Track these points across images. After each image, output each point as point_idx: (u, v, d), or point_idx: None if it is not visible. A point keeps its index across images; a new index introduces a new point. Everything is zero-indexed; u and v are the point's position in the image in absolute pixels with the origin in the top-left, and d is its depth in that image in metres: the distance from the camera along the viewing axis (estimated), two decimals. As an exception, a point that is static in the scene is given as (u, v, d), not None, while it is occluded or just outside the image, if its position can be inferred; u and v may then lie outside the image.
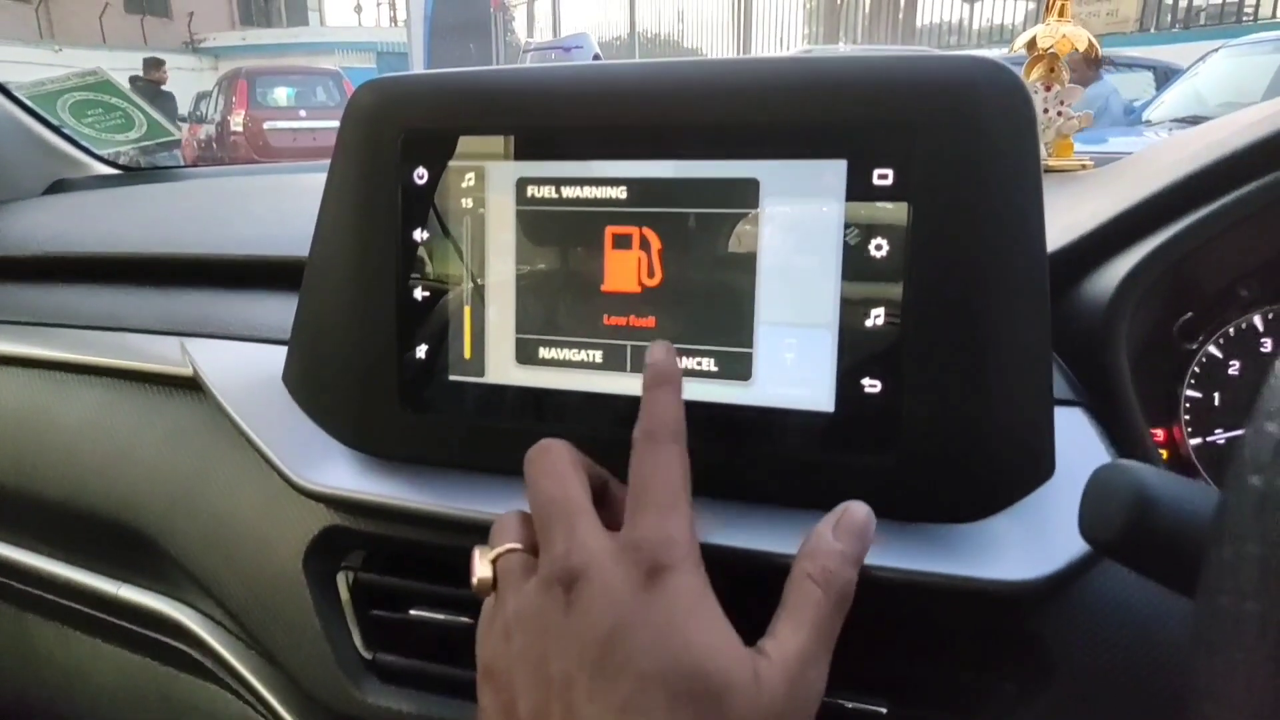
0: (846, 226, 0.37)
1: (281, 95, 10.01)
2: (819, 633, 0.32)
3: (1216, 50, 4.80)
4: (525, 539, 0.35)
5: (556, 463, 0.36)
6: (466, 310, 0.43)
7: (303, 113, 9.76)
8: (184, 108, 9.67)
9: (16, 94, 0.99)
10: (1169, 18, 9.25)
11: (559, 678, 0.30)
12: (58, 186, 0.97)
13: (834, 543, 0.33)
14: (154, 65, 8.09)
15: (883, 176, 0.36)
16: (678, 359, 0.37)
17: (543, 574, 0.33)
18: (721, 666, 0.29)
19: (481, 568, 0.35)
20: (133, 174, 1.06)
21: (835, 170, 0.37)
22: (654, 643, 0.29)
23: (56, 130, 1.02)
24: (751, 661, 0.30)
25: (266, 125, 9.31)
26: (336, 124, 0.47)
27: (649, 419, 0.35)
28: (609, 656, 0.29)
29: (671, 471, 0.33)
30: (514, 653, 0.32)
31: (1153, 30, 9.09)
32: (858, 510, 0.35)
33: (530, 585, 0.33)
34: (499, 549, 0.35)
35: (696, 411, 0.40)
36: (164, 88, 8.10)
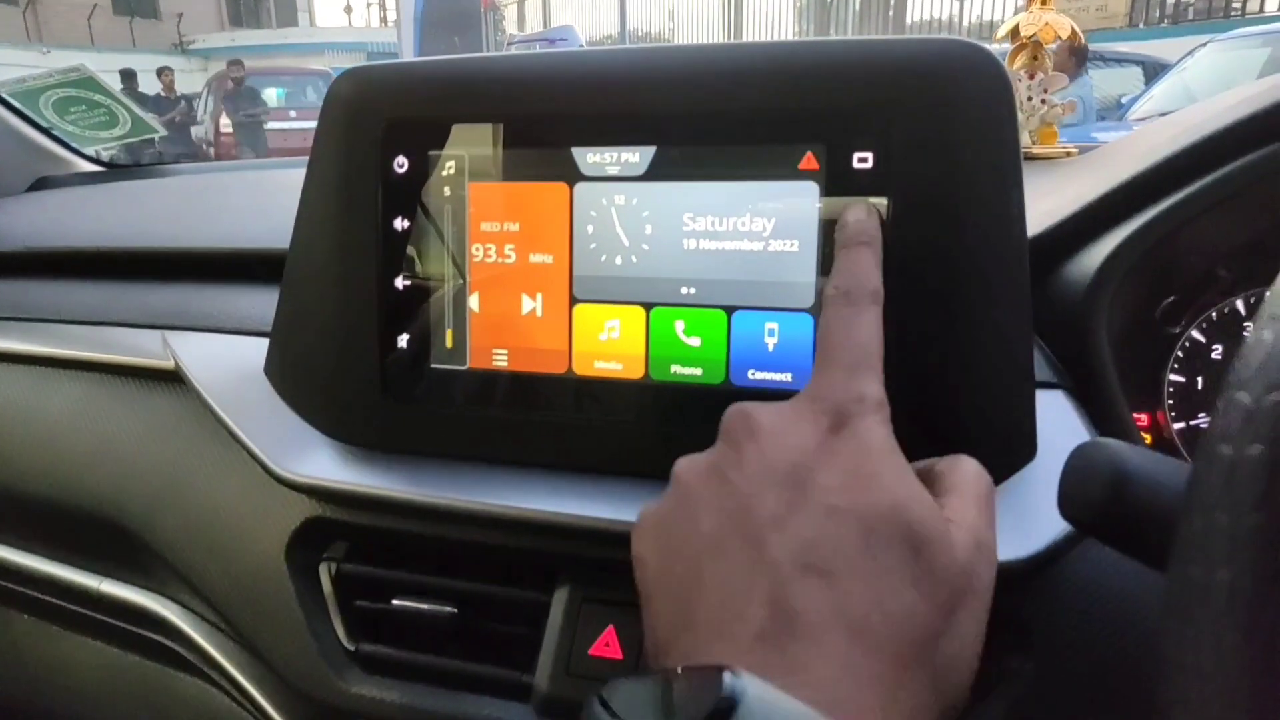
0: (826, 209, 0.37)
1: (271, 96, 9.99)
2: (987, 507, 0.30)
3: (1204, 45, 4.83)
4: None
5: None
6: (448, 299, 0.43)
7: (293, 113, 9.75)
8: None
9: (-1, 92, 0.98)
10: (1157, 13, 9.30)
11: (735, 510, 0.28)
12: (41, 184, 0.97)
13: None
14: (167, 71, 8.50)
15: (862, 160, 0.36)
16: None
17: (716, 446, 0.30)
18: (920, 515, 0.27)
19: None
20: (115, 170, 1.05)
21: (815, 154, 0.37)
22: (843, 482, 0.27)
23: (39, 127, 1.02)
24: (944, 516, 0.28)
25: (260, 123, 9.30)
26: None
27: (844, 276, 0.33)
28: (794, 494, 0.27)
29: (866, 331, 0.31)
30: (676, 510, 0.30)
31: (1141, 26, 9.13)
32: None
33: (700, 455, 0.31)
34: None
35: (675, 394, 0.40)
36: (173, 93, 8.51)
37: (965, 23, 11.53)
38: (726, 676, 0.22)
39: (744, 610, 0.26)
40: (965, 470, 0.31)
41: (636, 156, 0.40)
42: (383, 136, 0.43)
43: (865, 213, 0.35)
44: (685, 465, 0.31)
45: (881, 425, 0.29)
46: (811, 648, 0.24)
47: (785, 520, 0.27)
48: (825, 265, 0.37)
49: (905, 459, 0.29)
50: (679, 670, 0.25)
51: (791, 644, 0.25)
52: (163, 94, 8.65)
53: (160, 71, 9.04)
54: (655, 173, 0.39)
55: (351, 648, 0.46)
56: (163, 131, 1.33)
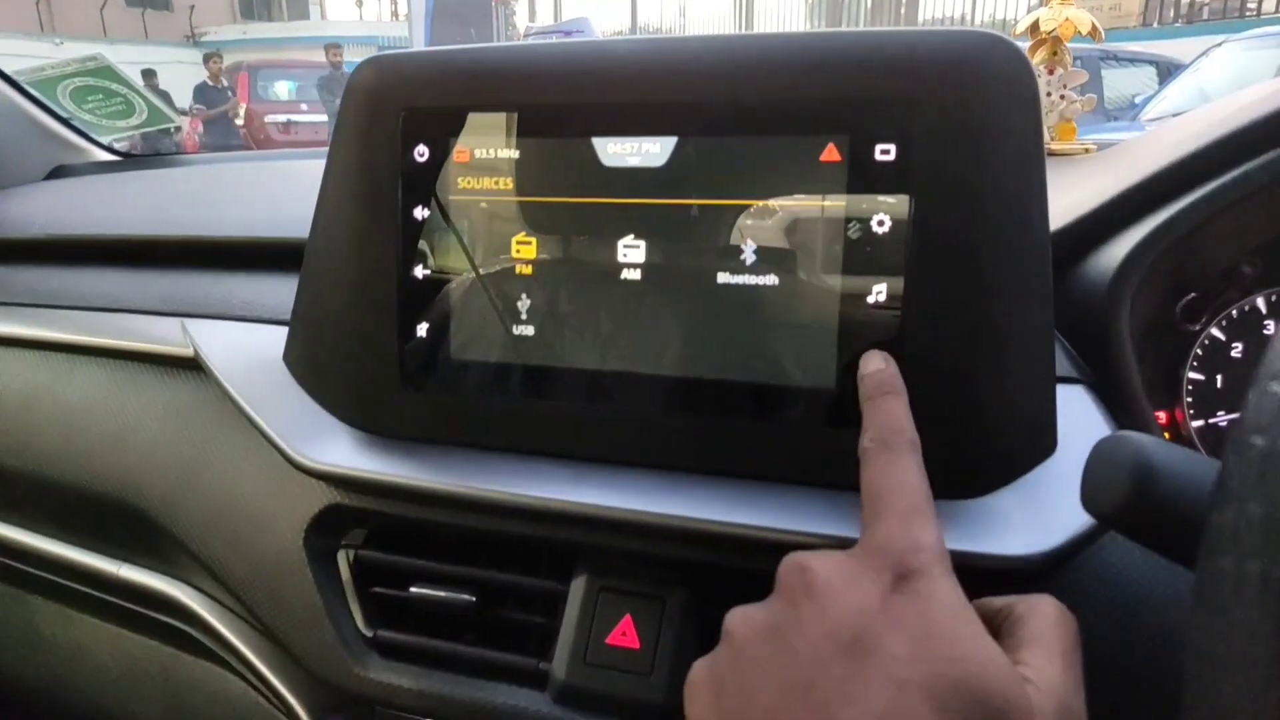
0: (848, 200, 0.37)
1: (283, 89, 9.99)
2: (1074, 662, 0.28)
3: (1219, 45, 4.79)
4: None
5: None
6: (468, 289, 0.43)
7: (304, 106, 9.74)
8: (183, 101, 9.67)
9: (18, 80, 0.99)
10: (1172, 13, 9.23)
11: (797, 682, 0.27)
12: (58, 172, 0.97)
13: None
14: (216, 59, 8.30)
15: (885, 152, 0.36)
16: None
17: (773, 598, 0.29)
18: (998, 683, 0.25)
19: None
20: (132, 160, 1.05)
21: (837, 145, 0.37)
22: (911, 651, 0.26)
23: (57, 116, 1.02)
24: (1025, 683, 0.26)
25: (268, 118, 9.30)
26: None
27: (880, 428, 0.32)
28: (860, 664, 0.26)
29: (911, 478, 0.30)
30: (732, 673, 0.29)
31: (1155, 25, 9.06)
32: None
33: (755, 609, 0.30)
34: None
35: (697, 388, 0.40)
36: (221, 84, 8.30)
37: (978, 20, 11.46)
38: None
39: None
40: (1045, 616, 0.29)
41: (657, 147, 0.40)
42: (402, 125, 0.43)
43: (883, 361, 0.35)
44: (739, 620, 0.30)
45: (946, 577, 0.28)
46: None
47: (853, 694, 0.25)
48: (847, 255, 0.37)
49: (974, 613, 0.27)
50: None
51: None
52: (210, 83, 8.23)
53: (207, 58, 8.64)
54: (676, 163, 0.39)
55: (369, 634, 0.46)
56: (178, 121, 1.33)
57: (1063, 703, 0.26)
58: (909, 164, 0.36)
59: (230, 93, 8.35)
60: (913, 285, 0.36)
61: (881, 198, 0.36)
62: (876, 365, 0.35)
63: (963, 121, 0.35)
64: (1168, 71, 5.44)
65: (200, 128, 8.80)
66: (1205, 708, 0.20)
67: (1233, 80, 4.28)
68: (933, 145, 0.35)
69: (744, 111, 0.38)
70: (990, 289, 0.36)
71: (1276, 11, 8.39)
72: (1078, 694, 0.27)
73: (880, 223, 0.36)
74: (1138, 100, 5.20)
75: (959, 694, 0.25)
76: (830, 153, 0.37)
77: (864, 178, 0.36)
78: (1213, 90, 4.31)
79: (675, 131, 0.39)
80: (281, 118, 9.28)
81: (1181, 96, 4.43)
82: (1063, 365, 0.43)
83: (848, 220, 0.37)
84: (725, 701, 0.28)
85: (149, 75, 7.93)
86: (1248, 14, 8.56)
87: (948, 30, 0.37)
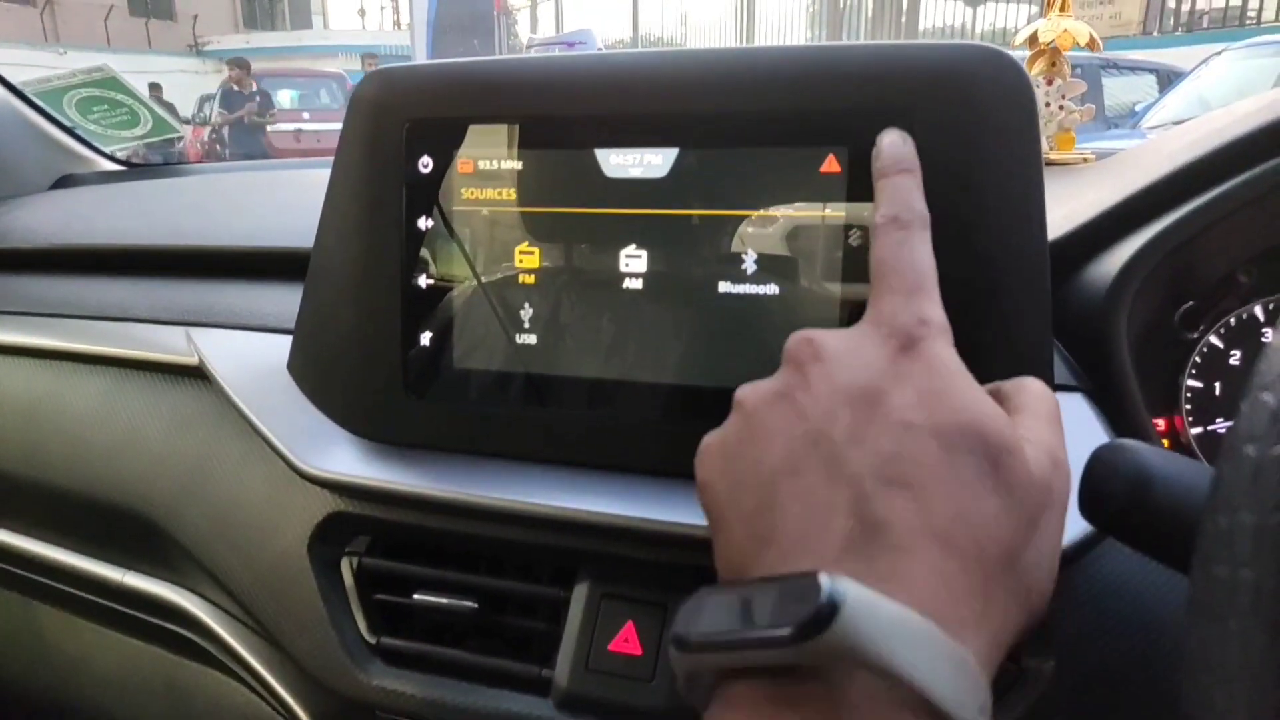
0: (848, 211, 0.37)
1: (285, 98, 10.04)
2: (1059, 426, 0.30)
3: (1219, 53, 4.80)
4: None
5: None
6: (472, 297, 0.44)
7: (306, 115, 9.79)
8: (186, 110, 9.68)
9: (23, 91, 1.00)
10: (1171, 21, 9.25)
11: (809, 431, 0.27)
12: (63, 182, 0.98)
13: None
14: (237, 64, 8.19)
15: (884, 163, 0.36)
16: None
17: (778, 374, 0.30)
18: (996, 429, 0.26)
19: None
20: (137, 170, 1.06)
21: (837, 156, 0.37)
22: (917, 400, 0.27)
23: (62, 127, 1.03)
24: (1019, 433, 0.27)
25: (270, 127, 9.34)
26: (340, 126, 0.47)
27: (890, 204, 0.32)
28: (868, 411, 0.27)
29: (921, 254, 0.31)
30: (743, 436, 0.29)
31: (1155, 34, 9.08)
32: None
33: (763, 381, 0.30)
34: None
35: (696, 392, 0.40)
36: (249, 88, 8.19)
37: (978, 29, 11.50)
38: (823, 580, 0.22)
39: (829, 522, 0.25)
40: (1033, 390, 0.31)
41: (659, 158, 0.40)
42: (406, 137, 0.44)
43: (900, 139, 0.34)
44: (749, 391, 0.30)
45: (948, 347, 0.29)
46: (903, 558, 0.24)
47: (862, 436, 0.26)
48: (847, 266, 0.37)
49: (974, 379, 0.28)
50: (762, 581, 0.25)
51: (882, 555, 0.24)
52: (234, 88, 8.15)
53: (230, 64, 8.51)
54: (678, 174, 0.40)
55: (373, 641, 0.47)
56: (180, 131, 1.34)
57: (1053, 455, 0.28)
58: None
59: (256, 98, 8.25)
60: None
61: None
62: (893, 140, 0.34)
63: (961, 133, 0.36)
64: (1168, 80, 5.45)
65: (203, 135, 8.80)
66: (1201, 715, 0.20)
67: (1232, 88, 4.30)
68: (931, 156, 0.36)
69: (745, 123, 0.39)
70: (988, 298, 0.36)
71: (1276, 20, 8.41)
72: (1063, 447, 0.29)
73: (879, 233, 0.37)
74: (1138, 108, 5.21)
75: (963, 436, 0.26)
76: (830, 164, 0.37)
77: (863, 188, 0.37)
78: (1213, 98, 4.32)
79: (677, 143, 0.40)
80: (286, 126, 9.29)
81: (1182, 104, 4.44)
82: (1061, 373, 0.43)
83: (848, 229, 0.37)
84: (736, 464, 0.29)
85: (155, 89, 7.93)
86: (1248, 22, 8.59)
87: (946, 44, 0.37)
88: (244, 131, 8.10)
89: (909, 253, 0.31)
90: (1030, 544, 0.26)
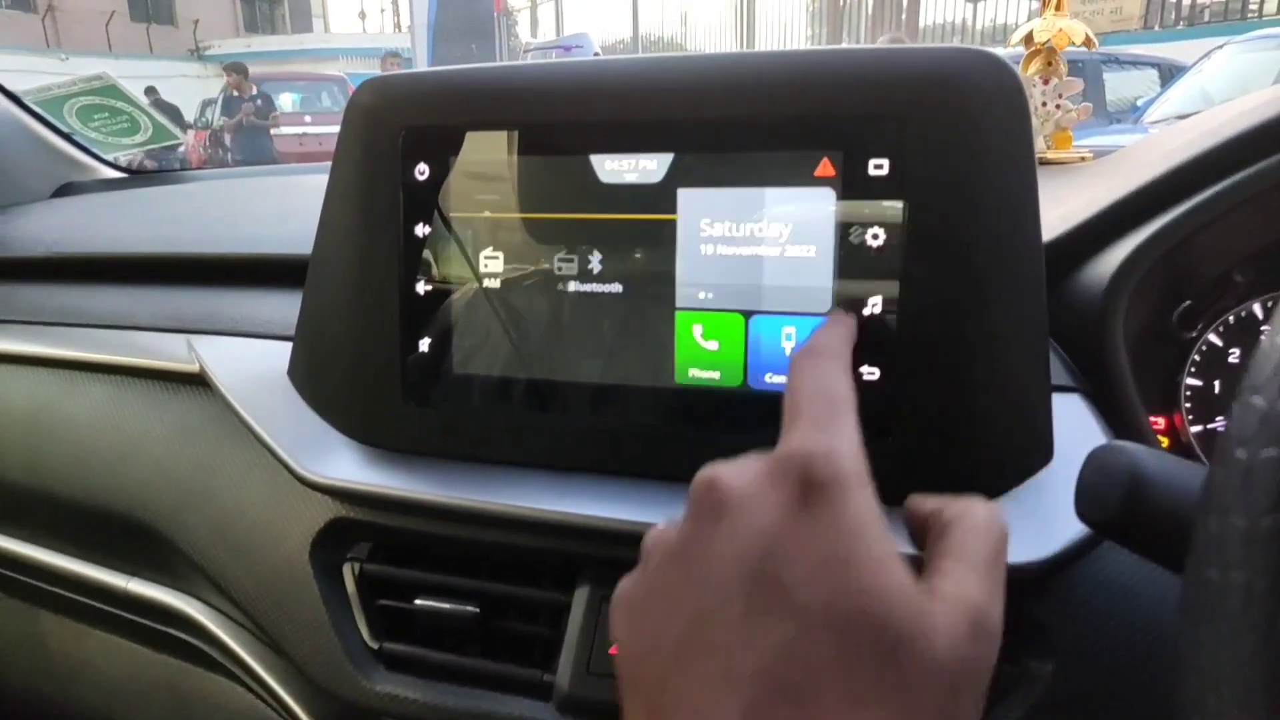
0: (842, 215, 0.37)
1: (287, 101, 10.05)
2: (993, 571, 0.27)
3: (1221, 47, 4.79)
4: None
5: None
6: (470, 304, 0.44)
7: (308, 118, 9.79)
8: (188, 115, 9.68)
9: (24, 99, 1.00)
10: (1173, 15, 9.22)
11: (703, 611, 0.26)
12: (65, 190, 0.98)
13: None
14: (234, 70, 8.17)
15: (878, 166, 0.37)
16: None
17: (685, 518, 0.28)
18: (896, 612, 0.24)
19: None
20: (138, 177, 1.07)
21: (831, 161, 0.37)
22: (812, 573, 0.25)
23: (63, 135, 1.03)
24: (928, 601, 0.25)
25: (272, 131, 9.35)
26: (342, 129, 0.47)
27: (810, 340, 0.32)
28: (762, 588, 0.25)
29: (832, 382, 0.29)
30: (647, 596, 0.28)
31: (1157, 28, 9.05)
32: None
33: (670, 529, 0.29)
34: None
35: (693, 397, 0.40)
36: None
37: (978, 26, 11.47)
38: None
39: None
40: (971, 524, 0.29)
41: (654, 164, 0.40)
42: (402, 144, 0.44)
43: (841, 321, 0.35)
44: (654, 541, 0.29)
45: (859, 488, 0.26)
46: None
47: (754, 631, 0.25)
48: (841, 270, 0.38)
49: (883, 528, 0.26)
50: None
51: None
52: (235, 93, 8.12)
53: (228, 69, 8.47)
54: (673, 179, 0.40)
55: (375, 646, 0.47)
56: (182, 138, 1.35)
57: (974, 615, 0.26)
58: (902, 178, 0.36)
59: (258, 101, 8.25)
60: (907, 297, 0.36)
61: (875, 211, 0.37)
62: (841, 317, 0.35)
63: (954, 136, 0.36)
64: (1170, 74, 5.43)
65: (205, 140, 8.81)
66: (1194, 717, 0.20)
67: (1234, 82, 4.28)
68: (925, 160, 0.36)
69: (739, 128, 0.39)
70: (984, 300, 0.36)
71: (1278, 13, 8.38)
72: (994, 603, 0.27)
73: (875, 235, 0.37)
74: (1140, 103, 5.20)
75: (856, 626, 0.24)
76: (824, 168, 0.38)
77: (857, 192, 0.37)
78: (1214, 92, 4.31)
79: (671, 148, 0.40)
80: (290, 130, 9.29)
81: (1183, 99, 4.43)
82: (1058, 374, 0.43)
83: (841, 233, 0.37)
84: (642, 626, 0.28)
85: (150, 92, 7.94)
86: (1249, 15, 8.56)
87: (939, 47, 0.37)
88: (249, 135, 8.11)
89: (822, 382, 0.29)
90: None
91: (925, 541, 0.30)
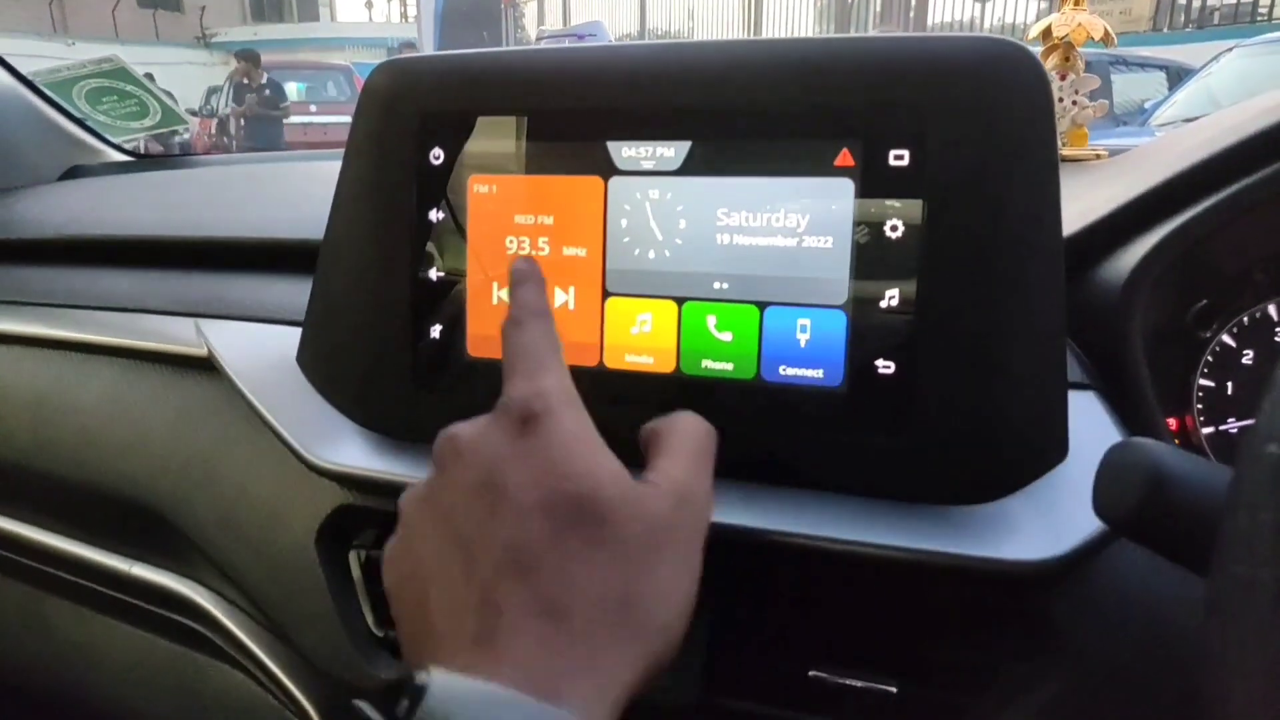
0: (860, 206, 0.37)
1: (292, 90, 10.03)
2: (698, 457, 0.33)
3: (1230, 50, 4.77)
4: None
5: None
6: (481, 290, 0.43)
7: (313, 107, 9.78)
8: (194, 102, 9.67)
9: (34, 81, 1.00)
10: (1182, 17, 9.19)
11: (446, 531, 0.30)
12: (73, 173, 0.98)
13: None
14: (245, 57, 8.18)
15: (899, 157, 0.36)
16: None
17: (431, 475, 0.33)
18: (604, 491, 0.29)
19: None
20: (146, 160, 1.06)
21: (851, 150, 0.37)
22: (534, 478, 0.29)
23: (72, 117, 1.03)
24: (635, 484, 0.31)
25: (285, 120, 9.33)
26: (347, 119, 0.47)
27: (512, 309, 0.35)
28: (492, 504, 0.29)
29: (536, 340, 0.33)
30: (402, 543, 0.32)
31: (1165, 30, 9.03)
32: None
33: (418, 484, 0.33)
34: None
35: (706, 389, 0.40)
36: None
37: (987, 24, 11.45)
38: (420, 676, 0.26)
39: (463, 620, 0.28)
40: (678, 428, 0.34)
41: (672, 151, 0.40)
42: (418, 128, 0.43)
43: (525, 262, 0.37)
44: (406, 498, 0.33)
45: (569, 412, 0.31)
46: (514, 639, 0.27)
47: (488, 532, 0.29)
48: (859, 262, 0.37)
49: (594, 435, 0.31)
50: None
51: (498, 640, 0.27)
52: (244, 81, 8.14)
53: (238, 56, 8.52)
54: (690, 167, 0.40)
55: (380, 634, 0.47)
56: (188, 122, 1.34)
57: (678, 489, 0.31)
58: (923, 169, 0.36)
59: (266, 90, 8.25)
60: (925, 290, 0.36)
61: (894, 203, 0.36)
62: (518, 264, 0.37)
63: (977, 128, 0.35)
64: (1178, 76, 5.41)
65: (211, 128, 8.79)
66: (1219, 714, 0.20)
67: (1243, 85, 4.26)
68: (947, 151, 0.36)
69: (758, 116, 0.38)
70: (1003, 295, 0.36)
71: (1287, 17, 8.35)
72: (699, 481, 0.33)
73: (893, 228, 0.37)
74: (1147, 105, 5.18)
75: (569, 508, 0.29)
76: (844, 158, 0.37)
77: (877, 182, 0.37)
78: (1223, 95, 4.29)
79: (689, 135, 0.39)
80: (300, 119, 9.26)
81: (1191, 102, 4.41)
82: (1074, 371, 0.43)
83: (859, 225, 0.37)
84: (401, 568, 0.32)
85: (148, 79, 7.92)
86: (1259, 18, 8.53)
87: (962, 36, 0.37)
88: (260, 124, 8.11)
89: (527, 342, 0.33)
90: (643, 585, 0.29)
91: (648, 452, 0.34)
